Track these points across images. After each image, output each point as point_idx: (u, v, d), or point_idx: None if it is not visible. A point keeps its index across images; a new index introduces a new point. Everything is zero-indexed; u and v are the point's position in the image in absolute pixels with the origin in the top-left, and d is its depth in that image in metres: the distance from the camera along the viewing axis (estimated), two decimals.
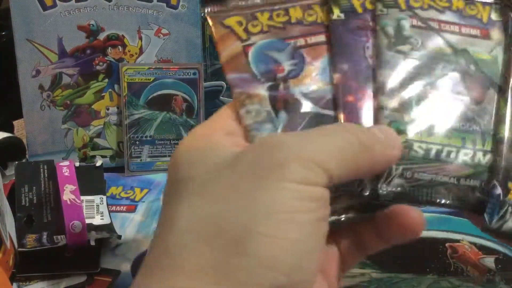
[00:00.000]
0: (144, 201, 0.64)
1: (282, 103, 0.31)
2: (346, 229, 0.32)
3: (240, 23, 0.32)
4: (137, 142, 0.69)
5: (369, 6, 0.34)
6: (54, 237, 0.54)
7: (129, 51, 0.69)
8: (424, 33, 0.33)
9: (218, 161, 0.26)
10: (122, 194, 0.65)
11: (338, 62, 0.32)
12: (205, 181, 0.26)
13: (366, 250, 0.32)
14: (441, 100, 0.32)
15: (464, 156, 0.31)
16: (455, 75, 0.33)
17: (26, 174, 0.61)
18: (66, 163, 0.62)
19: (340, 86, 0.32)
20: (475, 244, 0.54)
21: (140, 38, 0.69)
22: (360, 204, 0.31)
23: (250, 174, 0.25)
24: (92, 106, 0.70)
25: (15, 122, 0.78)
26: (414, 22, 0.33)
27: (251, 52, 0.32)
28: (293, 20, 0.33)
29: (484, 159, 0.31)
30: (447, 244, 0.54)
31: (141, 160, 0.69)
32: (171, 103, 0.69)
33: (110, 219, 0.58)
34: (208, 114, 0.67)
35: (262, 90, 0.31)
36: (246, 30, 0.32)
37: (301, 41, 0.33)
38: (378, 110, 0.31)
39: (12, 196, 0.58)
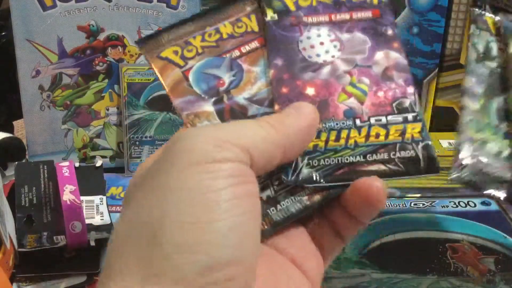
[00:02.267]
0: None
1: (229, 113, 0.32)
2: (317, 217, 0.32)
3: (176, 53, 0.33)
4: (137, 143, 0.69)
5: (302, 3, 0.34)
6: (54, 237, 0.54)
7: (129, 52, 0.69)
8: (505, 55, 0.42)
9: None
10: (122, 195, 0.65)
11: (272, 59, 0.33)
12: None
13: (342, 236, 0.32)
14: None
15: None
16: None
17: (26, 174, 0.61)
18: (66, 163, 0.62)
19: (274, 80, 0.32)
20: (475, 244, 0.54)
21: None
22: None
23: (159, 169, 0.26)
24: (92, 107, 0.70)
25: (15, 122, 0.78)
26: (501, 46, 0.43)
27: (190, 75, 0.33)
28: (224, 36, 0.34)
29: None
30: (447, 244, 0.54)
31: (141, 160, 0.69)
32: (171, 103, 0.69)
33: (110, 220, 0.58)
34: None
35: (208, 107, 0.32)
36: (182, 56, 0.33)
37: (236, 53, 0.33)
38: (462, 108, 0.40)
39: (12, 196, 0.58)
